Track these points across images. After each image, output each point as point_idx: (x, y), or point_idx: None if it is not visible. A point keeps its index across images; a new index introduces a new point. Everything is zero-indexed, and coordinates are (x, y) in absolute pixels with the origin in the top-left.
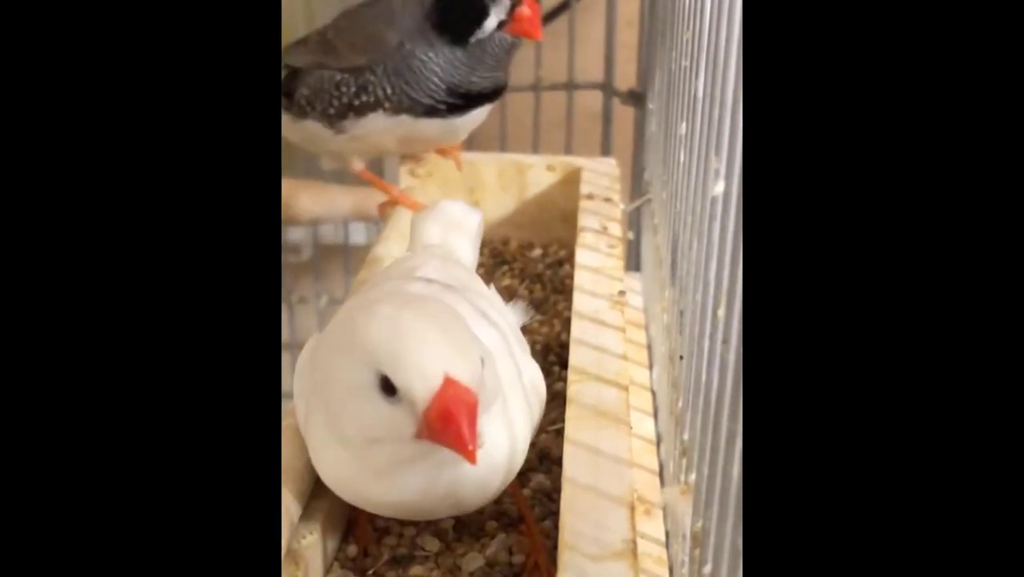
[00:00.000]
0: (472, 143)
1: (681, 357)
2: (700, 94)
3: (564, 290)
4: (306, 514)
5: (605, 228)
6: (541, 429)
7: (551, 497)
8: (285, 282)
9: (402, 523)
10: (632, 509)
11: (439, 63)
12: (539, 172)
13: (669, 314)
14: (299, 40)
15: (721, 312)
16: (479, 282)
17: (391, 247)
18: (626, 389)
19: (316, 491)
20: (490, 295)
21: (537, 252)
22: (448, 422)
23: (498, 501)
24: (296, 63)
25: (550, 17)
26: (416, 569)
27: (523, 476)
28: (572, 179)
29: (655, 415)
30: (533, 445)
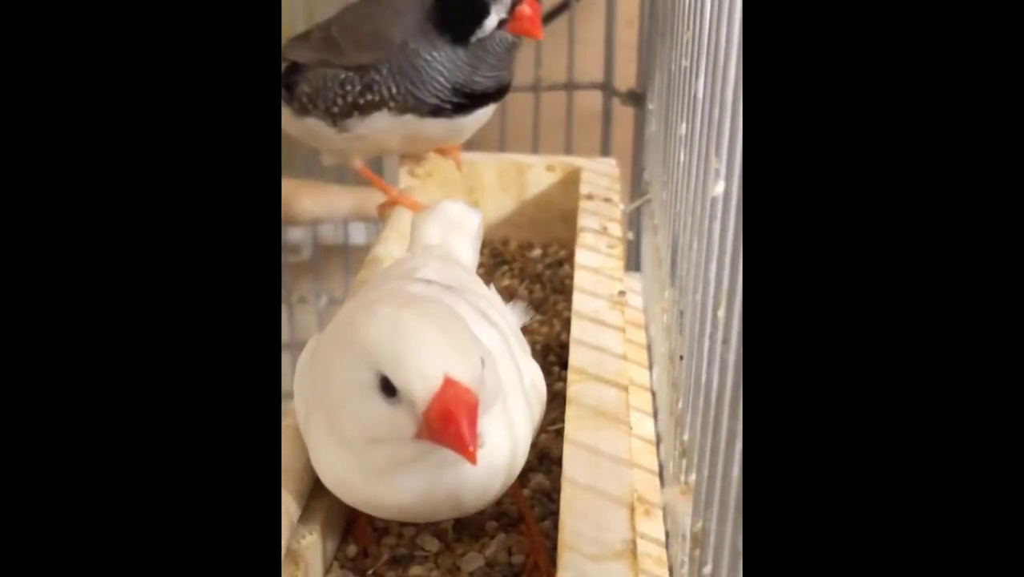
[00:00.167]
0: (472, 143)
1: (681, 357)
2: (700, 94)
3: (564, 290)
4: (306, 514)
5: (605, 228)
6: (541, 429)
7: (551, 497)
8: (285, 282)
9: (402, 523)
10: (632, 509)
11: (443, 62)
12: (539, 172)
13: (669, 314)
14: (300, 35)
15: (721, 312)
16: (479, 282)
17: (391, 247)
18: (626, 389)
19: (316, 491)
20: (490, 295)
21: (537, 252)
22: (448, 422)
23: (498, 501)
24: (297, 58)
25: (550, 17)
26: (416, 569)
27: (523, 476)
28: (572, 179)
29: (655, 415)
30: (533, 445)
